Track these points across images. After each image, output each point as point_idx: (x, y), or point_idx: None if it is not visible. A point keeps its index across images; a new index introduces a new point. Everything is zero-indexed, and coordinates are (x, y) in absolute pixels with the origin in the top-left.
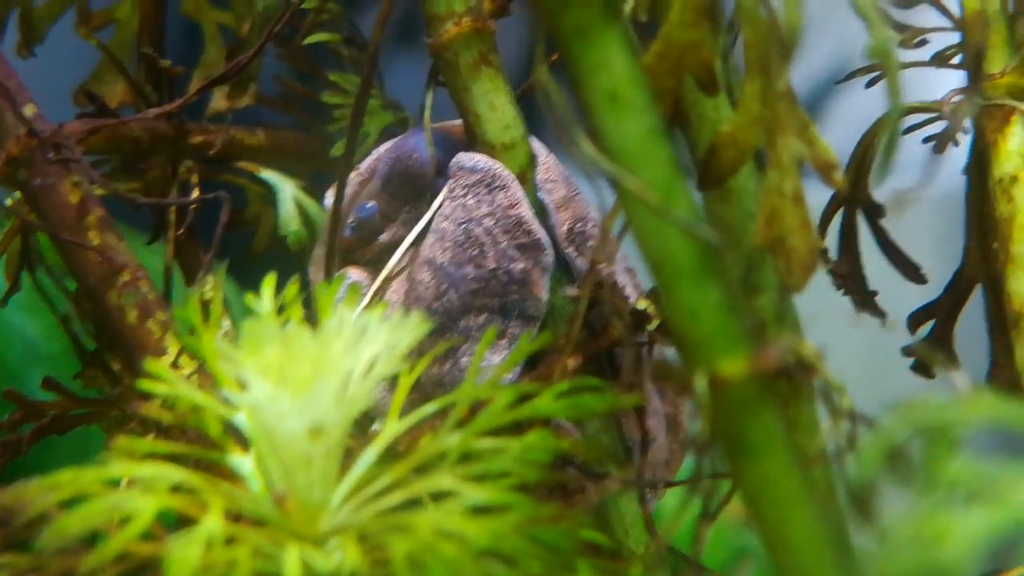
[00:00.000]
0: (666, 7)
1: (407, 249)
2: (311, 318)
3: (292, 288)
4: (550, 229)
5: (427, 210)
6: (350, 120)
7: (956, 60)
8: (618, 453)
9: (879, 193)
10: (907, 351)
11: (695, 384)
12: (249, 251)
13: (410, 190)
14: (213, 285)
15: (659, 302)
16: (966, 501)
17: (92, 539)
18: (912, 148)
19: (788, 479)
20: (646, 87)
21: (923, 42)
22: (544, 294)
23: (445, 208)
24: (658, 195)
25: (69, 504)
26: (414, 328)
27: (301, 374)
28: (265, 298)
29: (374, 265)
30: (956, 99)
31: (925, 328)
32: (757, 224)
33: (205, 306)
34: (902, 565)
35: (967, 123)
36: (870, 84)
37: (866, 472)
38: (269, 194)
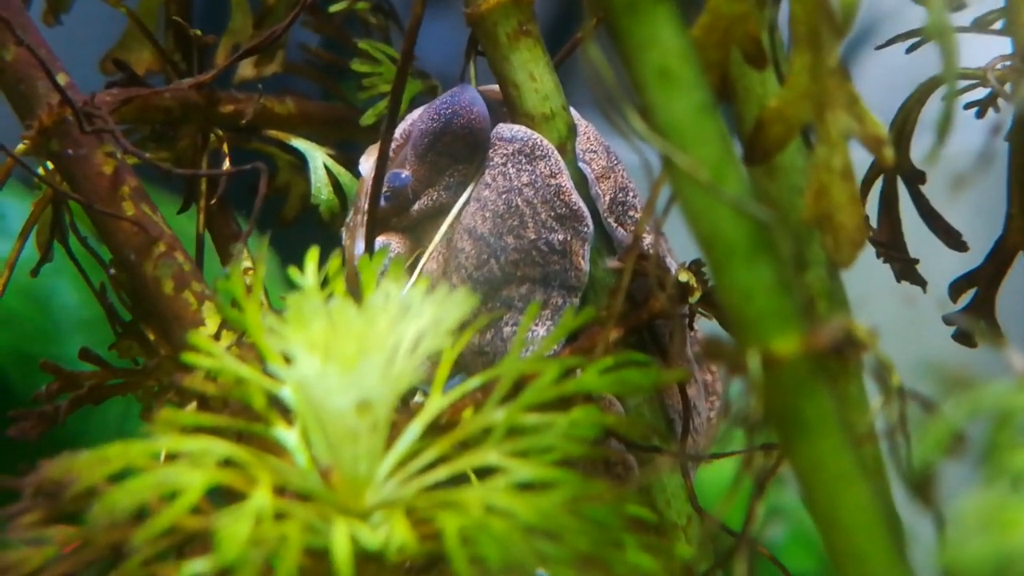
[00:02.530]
0: None
1: (452, 220)
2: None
3: (335, 262)
4: (591, 200)
5: (474, 172)
6: (391, 94)
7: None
8: (661, 425)
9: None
10: (949, 320)
11: (748, 363)
12: (278, 218)
13: (464, 147)
14: (256, 259)
15: (699, 273)
16: None
17: (139, 512)
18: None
19: (841, 458)
20: (696, 63)
21: (962, 6)
22: (585, 264)
23: (486, 177)
24: (709, 173)
25: (116, 477)
26: (460, 304)
27: (347, 350)
28: (309, 272)
29: (411, 231)
30: (1000, 66)
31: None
32: (805, 200)
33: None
34: (971, 552)
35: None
36: (911, 49)
37: (927, 457)
38: (298, 162)
